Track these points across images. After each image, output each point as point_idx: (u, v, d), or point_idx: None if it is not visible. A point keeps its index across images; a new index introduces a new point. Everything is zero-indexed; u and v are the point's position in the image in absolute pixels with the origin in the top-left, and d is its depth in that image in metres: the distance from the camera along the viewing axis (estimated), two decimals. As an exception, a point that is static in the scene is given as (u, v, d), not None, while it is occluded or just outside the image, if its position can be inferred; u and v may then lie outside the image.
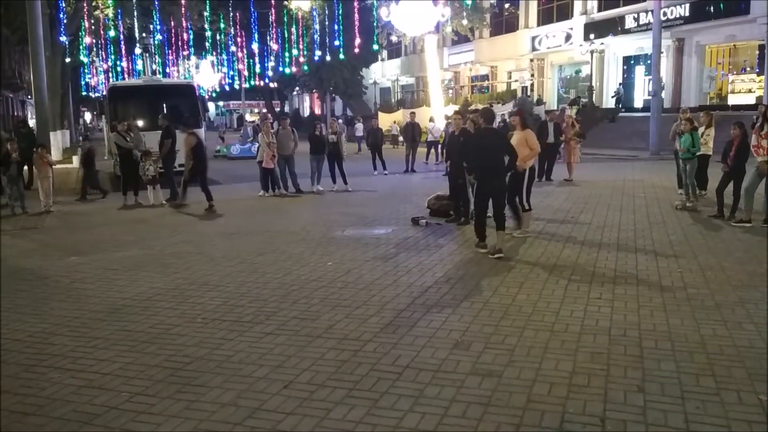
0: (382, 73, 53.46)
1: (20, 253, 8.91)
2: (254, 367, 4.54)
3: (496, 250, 7.68)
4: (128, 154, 13.50)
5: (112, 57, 41.37)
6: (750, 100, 26.59)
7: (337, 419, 3.76)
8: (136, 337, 5.26)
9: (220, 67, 51.83)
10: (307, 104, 67.56)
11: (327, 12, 38.02)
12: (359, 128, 31.47)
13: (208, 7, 33.76)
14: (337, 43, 36.28)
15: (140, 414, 3.88)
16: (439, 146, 21.06)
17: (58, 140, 26.59)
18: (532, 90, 36.60)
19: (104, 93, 26.96)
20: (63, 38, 27.54)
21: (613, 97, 32.04)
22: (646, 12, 28.17)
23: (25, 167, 16.40)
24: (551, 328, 5.22)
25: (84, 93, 55.67)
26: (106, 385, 4.32)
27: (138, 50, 41.38)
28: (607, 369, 4.37)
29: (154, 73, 43.96)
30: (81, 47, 35.71)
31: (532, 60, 37.43)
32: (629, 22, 30.56)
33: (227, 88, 56.43)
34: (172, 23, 36.09)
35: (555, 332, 5.11)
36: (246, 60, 47.28)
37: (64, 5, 26.41)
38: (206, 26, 36.17)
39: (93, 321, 5.72)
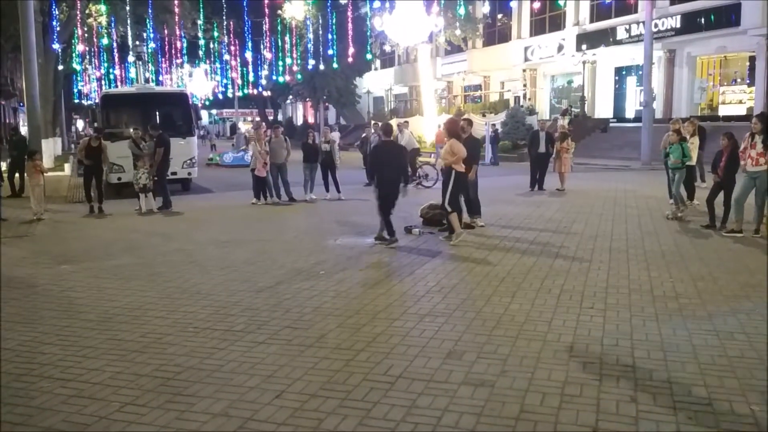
0: (376, 82, 53.66)
1: (11, 261, 8.83)
2: (246, 377, 4.51)
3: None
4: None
5: (105, 65, 41.34)
6: (741, 111, 26.88)
7: (330, 429, 3.74)
8: (126, 346, 5.22)
9: (213, 75, 51.84)
10: (301, 113, 67.69)
11: (321, 21, 38.17)
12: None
13: (201, 15, 33.79)
14: (330, 52, 36.41)
15: (130, 424, 3.85)
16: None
17: (50, 147, 26.53)
18: (524, 100, 36.80)
19: (97, 101, 26.87)
20: (56, 46, 27.54)
21: (564, 114, 30.04)
22: (638, 23, 28.43)
23: (17, 175, 16.36)
24: (544, 337, 5.22)
25: (76, 100, 55.66)
26: (96, 394, 4.28)
27: (131, 58, 41.26)
28: (599, 379, 4.37)
29: (147, 80, 43.85)
30: (74, 55, 35.69)
31: (524, 70, 37.67)
32: (621, 34, 30.84)
33: (221, 96, 56.45)
34: (166, 31, 36.10)
35: (547, 342, 5.12)
36: (239, 68, 47.32)
37: (57, 13, 26.39)
38: (200, 34, 36.19)
39: (83, 330, 5.67)
